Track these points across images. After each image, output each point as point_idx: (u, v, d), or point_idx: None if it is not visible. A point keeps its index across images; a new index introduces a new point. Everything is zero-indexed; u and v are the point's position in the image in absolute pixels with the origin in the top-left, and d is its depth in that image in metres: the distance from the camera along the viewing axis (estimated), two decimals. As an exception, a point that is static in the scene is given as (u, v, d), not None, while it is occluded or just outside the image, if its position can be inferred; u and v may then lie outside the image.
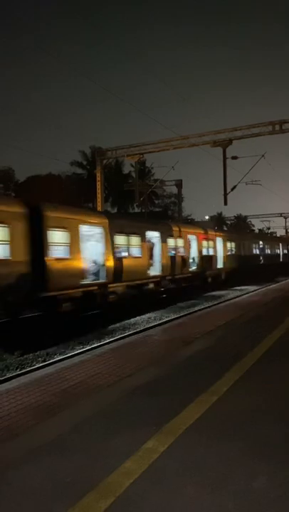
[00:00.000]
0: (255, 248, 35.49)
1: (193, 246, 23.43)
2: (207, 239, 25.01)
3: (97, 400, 4.93)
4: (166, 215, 50.38)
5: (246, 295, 18.87)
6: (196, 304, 19.18)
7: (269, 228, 64.83)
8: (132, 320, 15.54)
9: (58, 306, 13.38)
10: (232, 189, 24.91)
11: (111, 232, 16.01)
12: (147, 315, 16.52)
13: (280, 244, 45.25)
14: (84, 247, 14.79)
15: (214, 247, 25.94)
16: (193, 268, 23.26)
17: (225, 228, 60.64)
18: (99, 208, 28.12)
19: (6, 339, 10.95)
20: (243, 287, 26.89)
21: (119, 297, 16.55)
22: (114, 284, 16.09)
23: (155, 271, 19.53)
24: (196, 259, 23.64)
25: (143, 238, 18.31)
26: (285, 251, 46.63)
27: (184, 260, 21.95)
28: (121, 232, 16.77)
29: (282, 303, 14.33)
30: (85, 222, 14.76)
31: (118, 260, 16.20)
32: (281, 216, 63.39)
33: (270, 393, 4.94)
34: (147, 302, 17.98)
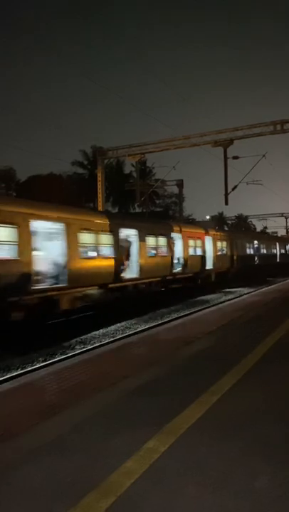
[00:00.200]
0: (250, 248, 33.99)
1: (178, 245, 21.87)
2: (194, 237, 23.50)
3: (98, 400, 4.92)
4: (167, 215, 50.39)
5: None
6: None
7: (266, 227, 64.83)
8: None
9: (6, 315, 11.45)
10: (233, 189, 24.92)
11: (74, 228, 13.97)
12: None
13: (277, 244, 43.85)
14: (40, 246, 13.14)
15: (203, 247, 24.39)
16: (178, 269, 21.70)
17: (226, 228, 60.59)
18: (100, 208, 28.05)
19: (7, 339, 10.95)
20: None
21: (86, 303, 14.78)
22: (80, 289, 14.16)
23: (132, 273, 17.73)
24: (181, 260, 22.06)
25: (116, 236, 16.37)
26: (283, 251, 45.31)
27: (168, 261, 20.46)
28: (88, 229, 14.79)
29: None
30: (38, 217, 12.66)
31: (84, 261, 14.37)
32: (282, 216, 63.45)
33: (270, 394, 4.94)
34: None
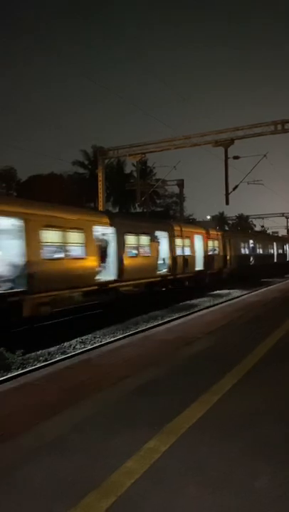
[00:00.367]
0: (245, 247, 32.55)
1: (163, 245, 20.35)
2: (182, 236, 21.90)
3: (98, 400, 4.92)
4: (168, 215, 50.42)
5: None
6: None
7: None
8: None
9: None
10: (234, 189, 24.91)
11: (36, 225, 12.46)
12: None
13: (274, 244, 42.20)
14: None
15: (192, 246, 22.87)
16: (164, 270, 20.28)
17: (226, 228, 60.60)
18: (100, 208, 28.07)
19: (8, 339, 10.95)
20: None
21: (57, 309, 13.74)
22: (45, 294, 12.72)
23: (108, 275, 16.12)
24: (167, 261, 20.56)
25: (89, 234, 14.74)
26: (280, 251, 43.74)
27: (151, 262, 18.91)
28: (54, 226, 13.22)
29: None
30: None
31: (48, 263, 12.86)
32: (283, 216, 63.40)
33: (271, 394, 4.93)
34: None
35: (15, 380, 6.34)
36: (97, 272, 15.41)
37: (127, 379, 5.66)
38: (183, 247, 21.90)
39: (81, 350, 10.36)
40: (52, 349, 11.23)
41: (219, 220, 63.57)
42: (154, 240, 19.36)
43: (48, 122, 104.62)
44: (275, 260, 41.32)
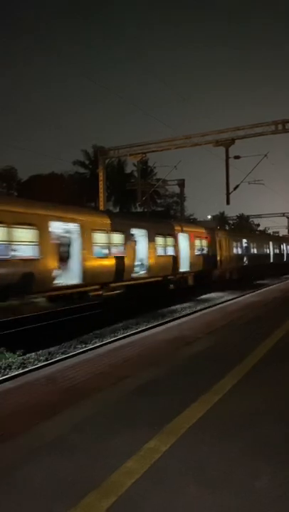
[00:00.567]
0: (237, 247, 30.60)
1: (141, 244, 18.72)
2: (164, 235, 20.21)
3: (98, 400, 4.92)
4: (169, 215, 50.39)
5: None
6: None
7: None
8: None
9: None
10: (234, 188, 24.90)
11: None
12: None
13: (271, 243, 40.65)
14: None
15: (176, 246, 21.06)
16: (141, 273, 18.48)
17: (227, 227, 60.52)
18: (101, 207, 28.07)
19: (9, 338, 10.96)
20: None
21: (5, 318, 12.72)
22: None
23: (71, 278, 14.47)
24: (145, 261, 18.74)
25: (44, 231, 13.04)
26: (277, 250, 42.22)
27: (126, 263, 17.02)
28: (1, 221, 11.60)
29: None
30: None
31: None
32: (284, 216, 63.37)
33: (271, 394, 4.93)
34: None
35: (15, 380, 6.33)
36: (57, 275, 13.75)
37: (127, 379, 5.66)
38: (165, 246, 20.27)
39: (81, 350, 10.35)
40: (52, 349, 11.23)
41: (220, 220, 63.49)
42: (130, 238, 17.63)
43: (48, 122, 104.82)
44: (272, 260, 39.98)
